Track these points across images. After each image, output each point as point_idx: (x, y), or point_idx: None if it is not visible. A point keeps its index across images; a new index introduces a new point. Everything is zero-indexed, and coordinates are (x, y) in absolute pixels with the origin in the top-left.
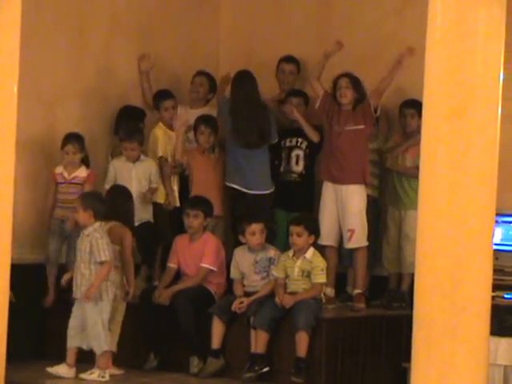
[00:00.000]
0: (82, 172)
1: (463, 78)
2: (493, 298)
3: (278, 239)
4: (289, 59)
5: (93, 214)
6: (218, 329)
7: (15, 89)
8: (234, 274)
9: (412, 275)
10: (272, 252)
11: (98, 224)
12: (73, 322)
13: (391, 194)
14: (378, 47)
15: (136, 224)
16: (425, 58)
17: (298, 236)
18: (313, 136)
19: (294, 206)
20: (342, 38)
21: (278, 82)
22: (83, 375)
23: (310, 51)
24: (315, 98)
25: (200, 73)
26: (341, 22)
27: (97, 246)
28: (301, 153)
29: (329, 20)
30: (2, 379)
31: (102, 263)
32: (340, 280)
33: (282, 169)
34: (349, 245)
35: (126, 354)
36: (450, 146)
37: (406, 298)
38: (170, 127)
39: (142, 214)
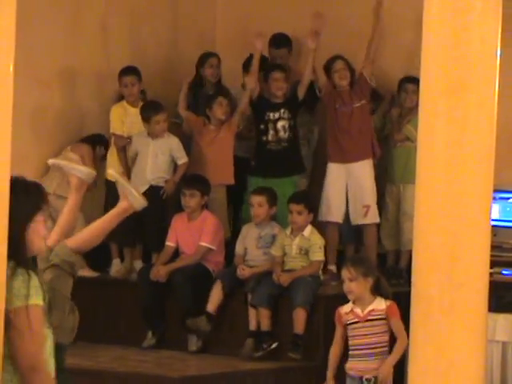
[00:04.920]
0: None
1: (460, 53)
2: (491, 274)
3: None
4: (277, 43)
5: None
6: (217, 294)
7: (11, 68)
8: (238, 248)
9: (410, 252)
10: (277, 229)
11: None
12: None
13: (389, 170)
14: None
15: None
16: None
17: (299, 214)
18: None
19: (283, 171)
20: (338, 14)
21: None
22: None
23: (306, 28)
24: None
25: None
26: None
27: None
28: (286, 123)
29: None
30: None
31: None
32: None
33: (270, 137)
34: (365, 220)
35: (124, 333)
36: (447, 122)
37: (404, 275)
38: (133, 104)
39: None
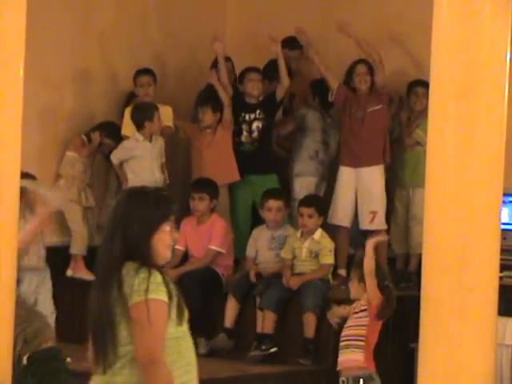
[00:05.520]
0: None
1: (470, 57)
2: (500, 278)
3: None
4: (291, 45)
5: None
6: (232, 308)
7: (21, 71)
8: (249, 251)
9: (419, 255)
10: (290, 231)
11: None
12: None
13: (398, 174)
14: (384, 27)
15: None
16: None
17: (310, 217)
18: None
19: (259, 169)
20: (348, 17)
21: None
22: None
23: (316, 32)
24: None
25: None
26: (346, 2)
27: None
28: (260, 124)
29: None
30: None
31: None
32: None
33: (243, 138)
34: (371, 226)
35: None
36: (457, 125)
37: (414, 279)
38: None
39: None
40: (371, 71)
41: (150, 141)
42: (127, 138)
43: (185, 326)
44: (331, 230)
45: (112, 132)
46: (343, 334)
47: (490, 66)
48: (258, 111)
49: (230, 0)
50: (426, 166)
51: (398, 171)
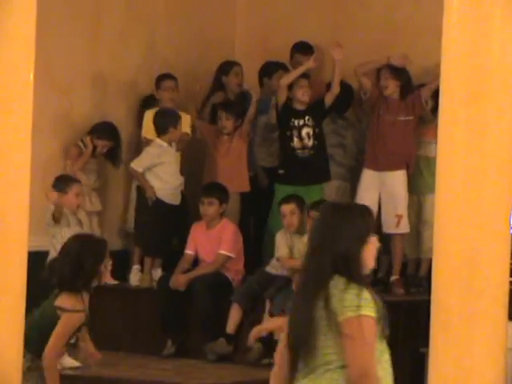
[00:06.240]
0: None
1: (480, 61)
2: (510, 282)
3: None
4: (304, 50)
5: None
6: (235, 314)
7: (31, 76)
8: (282, 252)
9: (430, 260)
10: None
11: None
12: None
13: (409, 180)
14: (394, 32)
15: None
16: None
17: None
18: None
19: (311, 178)
20: (358, 23)
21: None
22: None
23: (326, 37)
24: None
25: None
26: (356, 7)
27: None
28: (310, 130)
29: (344, 5)
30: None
31: None
32: None
33: (295, 144)
34: (397, 230)
35: (144, 341)
36: (467, 130)
37: (424, 284)
38: None
39: None
40: (395, 75)
41: (171, 145)
42: (147, 140)
43: (384, 340)
44: None
45: (104, 133)
46: None
47: (500, 71)
48: (306, 117)
49: (240, 5)
50: (437, 170)
51: (409, 177)
